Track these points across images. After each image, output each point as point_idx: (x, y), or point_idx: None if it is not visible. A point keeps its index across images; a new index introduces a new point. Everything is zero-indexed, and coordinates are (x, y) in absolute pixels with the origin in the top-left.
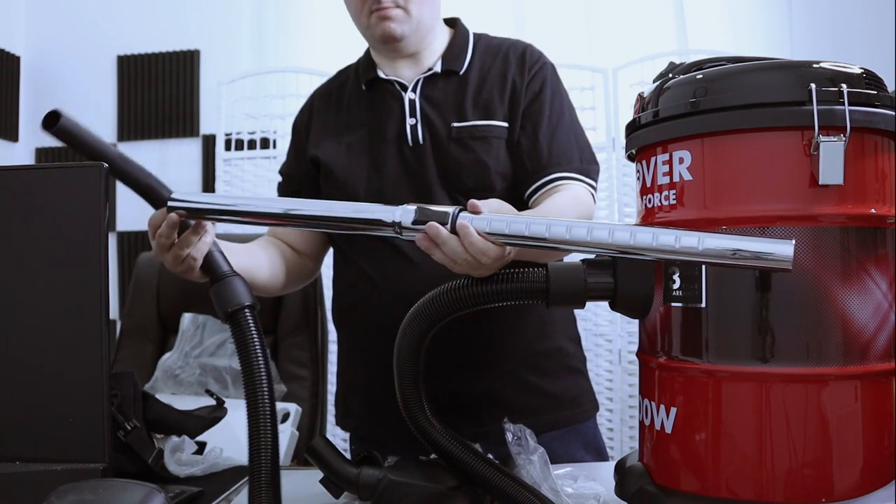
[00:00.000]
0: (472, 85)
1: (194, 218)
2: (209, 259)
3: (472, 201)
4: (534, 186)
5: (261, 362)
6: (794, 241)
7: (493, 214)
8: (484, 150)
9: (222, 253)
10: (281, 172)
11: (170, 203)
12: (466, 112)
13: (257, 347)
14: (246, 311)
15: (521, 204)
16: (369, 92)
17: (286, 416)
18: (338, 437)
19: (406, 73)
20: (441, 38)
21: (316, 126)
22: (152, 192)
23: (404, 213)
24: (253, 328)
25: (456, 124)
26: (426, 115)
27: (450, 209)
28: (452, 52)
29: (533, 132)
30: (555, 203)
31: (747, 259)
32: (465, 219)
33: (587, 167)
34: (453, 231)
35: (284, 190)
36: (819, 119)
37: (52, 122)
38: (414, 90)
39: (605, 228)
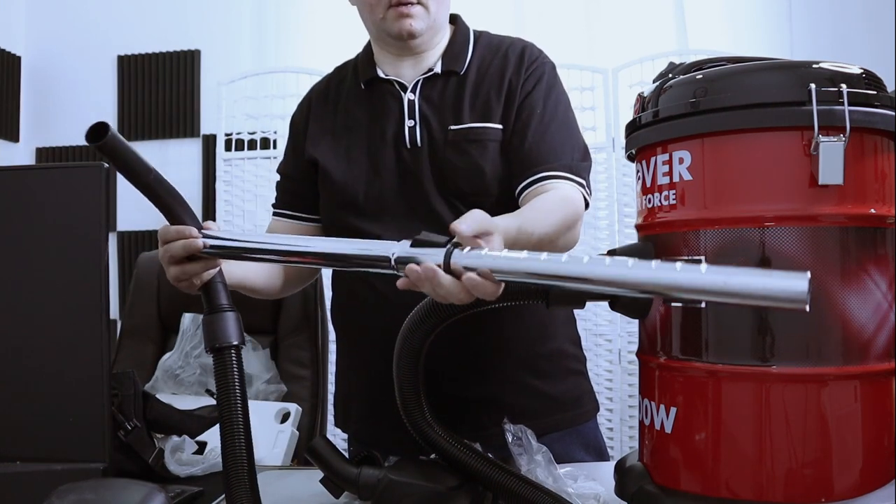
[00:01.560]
0: (469, 86)
1: (218, 257)
2: (209, 286)
3: (460, 229)
4: (522, 185)
5: (238, 404)
6: (808, 275)
7: (488, 253)
8: (479, 154)
9: (224, 281)
10: (280, 172)
11: (204, 243)
12: (463, 114)
13: (237, 389)
14: (231, 350)
15: (517, 205)
16: (368, 91)
17: (286, 416)
18: (338, 437)
19: (406, 73)
20: (444, 37)
21: (313, 127)
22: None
23: (401, 250)
24: (235, 369)
25: (452, 127)
26: (425, 116)
27: (441, 246)
28: (452, 52)
29: (522, 130)
30: (540, 204)
31: (753, 299)
32: (457, 258)
33: (577, 165)
34: (447, 270)
35: (284, 189)
36: (819, 119)
37: (99, 135)
38: (414, 91)
39: (599, 262)
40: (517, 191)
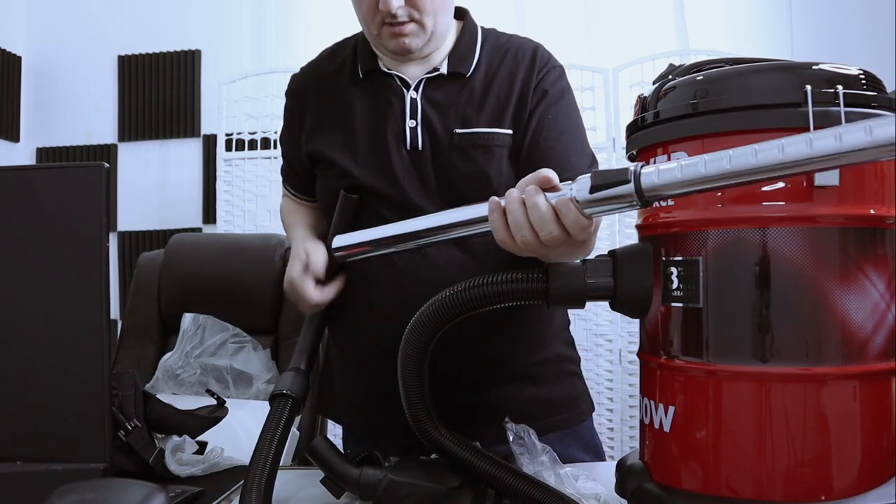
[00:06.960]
0: (477, 88)
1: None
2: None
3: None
4: None
5: (273, 444)
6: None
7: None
8: (486, 160)
9: (314, 351)
10: (285, 156)
11: (335, 250)
12: (470, 118)
13: (278, 432)
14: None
15: None
16: (367, 80)
17: None
18: (338, 437)
19: (410, 70)
20: (450, 36)
21: (311, 120)
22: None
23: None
24: (283, 416)
25: (459, 131)
26: (427, 118)
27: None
28: (459, 52)
29: (535, 137)
30: None
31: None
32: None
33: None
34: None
35: (290, 176)
36: (814, 120)
37: None
38: (416, 89)
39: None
40: None
